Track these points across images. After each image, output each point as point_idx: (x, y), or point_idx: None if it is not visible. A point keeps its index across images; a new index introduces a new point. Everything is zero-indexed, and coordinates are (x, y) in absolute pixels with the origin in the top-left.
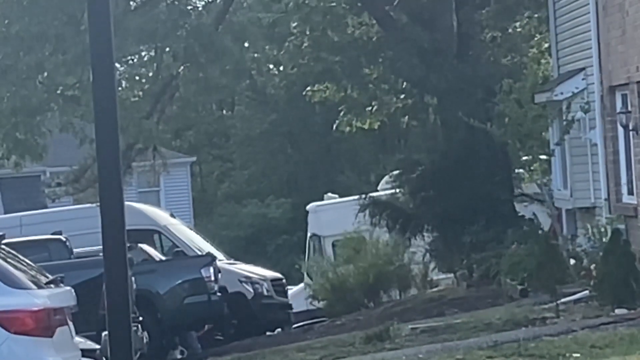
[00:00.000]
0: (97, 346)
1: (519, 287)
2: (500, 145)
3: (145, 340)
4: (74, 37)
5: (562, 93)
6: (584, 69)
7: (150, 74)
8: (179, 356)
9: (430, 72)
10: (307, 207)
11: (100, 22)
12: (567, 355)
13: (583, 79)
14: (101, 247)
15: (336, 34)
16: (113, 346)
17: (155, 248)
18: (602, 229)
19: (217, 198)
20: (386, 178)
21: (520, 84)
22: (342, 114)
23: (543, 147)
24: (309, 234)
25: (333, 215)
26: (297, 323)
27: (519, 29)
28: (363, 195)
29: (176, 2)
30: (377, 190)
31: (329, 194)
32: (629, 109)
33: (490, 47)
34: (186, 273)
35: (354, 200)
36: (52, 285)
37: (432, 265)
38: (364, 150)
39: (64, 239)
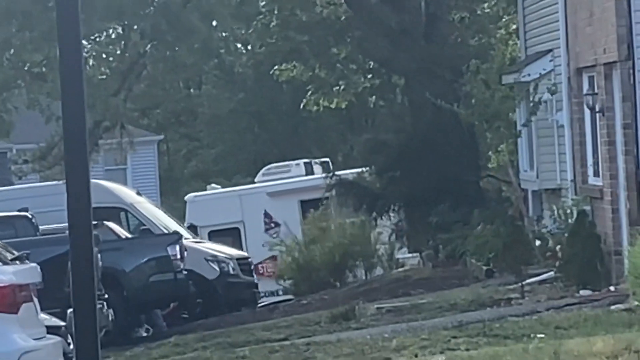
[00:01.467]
0: (63, 323)
1: (485, 268)
2: (467, 126)
3: (110, 318)
4: (41, 14)
5: (529, 74)
6: (551, 50)
7: (118, 52)
8: (144, 334)
9: (398, 52)
10: (186, 198)
11: None
12: (532, 335)
13: (550, 61)
14: (67, 224)
15: (304, 14)
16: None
17: (121, 226)
18: (568, 211)
19: (183, 176)
20: (263, 171)
21: (487, 65)
22: (309, 93)
23: (510, 128)
24: (186, 224)
25: (211, 206)
26: None
27: (487, 10)
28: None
29: None
30: (254, 183)
31: (213, 185)
32: (596, 90)
33: (458, 28)
34: (152, 251)
35: (233, 191)
36: (17, 262)
37: (398, 245)
38: (332, 130)
39: (30, 216)
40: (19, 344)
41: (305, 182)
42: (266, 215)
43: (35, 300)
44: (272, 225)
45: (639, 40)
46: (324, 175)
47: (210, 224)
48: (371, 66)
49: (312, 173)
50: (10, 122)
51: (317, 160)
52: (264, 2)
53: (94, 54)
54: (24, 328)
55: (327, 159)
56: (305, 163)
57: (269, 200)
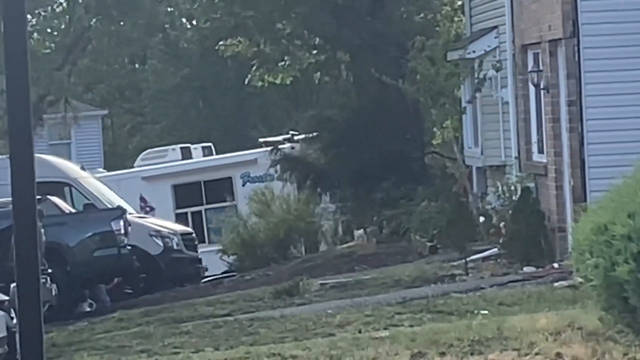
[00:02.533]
0: (6, 297)
1: (429, 244)
2: (412, 103)
3: (54, 293)
4: None
5: (474, 51)
6: (496, 27)
7: (63, 27)
8: (88, 309)
9: (343, 28)
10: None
11: None
12: (475, 312)
13: (495, 37)
14: (10, 199)
15: None
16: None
17: (65, 200)
18: (512, 187)
19: (128, 151)
20: (141, 155)
21: (433, 42)
22: (254, 68)
23: (455, 105)
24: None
25: None
26: None
27: None
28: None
29: None
30: (134, 167)
31: (99, 169)
32: (541, 67)
33: (403, 4)
34: (96, 226)
35: (112, 175)
36: None
37: (342, 221)
38: (276, 106)
39: None
40: None
41: (178, 166)
42: (142, 199)
43: None
44: (148, 209)
45: (584, 17)
46: (202, 159)
47: None
48: (316, 42)
49: (190, 157)
50: None
51: (197, 145)
52: None
53: (38, 28)
54: None
55: (210, 144)
56: (182, 148)
57: (144, 185)
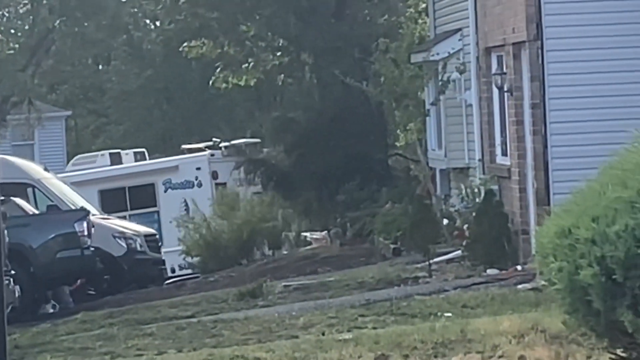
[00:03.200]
0: None
1: (392, 246)
2: (376, 105)
3: (17, 294)
4: None
5: (438, 53)
6: (460, 29)
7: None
8: (51, 310)
9: (307, 30)
10: None
11: None
12: (439, 314)
13: (459, 40)
14: None
15: None
16: None
17: (28, 202)
18: (476, 190)
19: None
20: (72, 161)
21: (396, 44)
22: (218, 70)
23: (419, 107)
24: None
25: None
26: None
27: None
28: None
29: None
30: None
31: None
32: (504, 70)
33: (367, 6)
34: (59, 227)
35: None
36: None
37: (306, 223)
38: (240, 107)
39: None
40: None
41: (106, 172)
42: None
43: None
44: None
45: (548, 19)
46: (126, 165)
47: None
48: (280, 44)
49: (120, 163)
50: None
51: (128, 150)
52: None
53: (1, 29)
54: None
55: (143, 149)
56: (111, 154)
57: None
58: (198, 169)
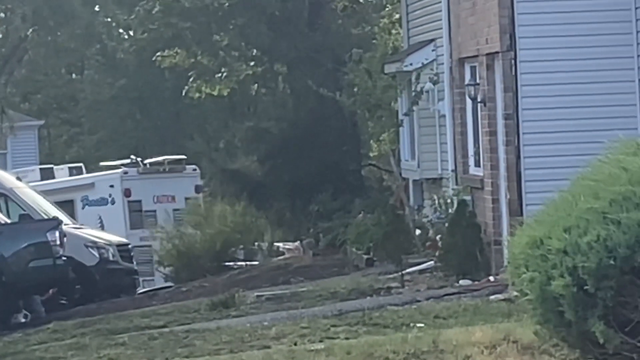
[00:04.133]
0: None
1: (365, 257)
2: (349, 115)
3: None
4: None
5: (411, 64)
6: (433, 40)
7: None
8: (23, 320)
9: (281, 40)
10: None
11: None
12: (411, 325)
13: (433, 50)
14: None
15: (187, 0)
16: None
17: (0, 211)
18: (449, 200)
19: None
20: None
21: (370, 54)
22: (191, 80)
23: (392, 117)
24: None
25: None
26: None
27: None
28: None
29: None
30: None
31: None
32: (478, 81)
33: (341, 16)
34: (31, 236)
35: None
36: None
37: (278, 234)
38: (213, 117)
39: None
40: None
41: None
42: None
43: None
44: None
45: (522, 30)
46: (47, 182)
47: None
48: (253, 54)
49: (52, 178)
50: None
51: (63, 165)
52: None
53: None
54: None
55: (81, 164)
56: (42, 169)
57: None
58: (111, 186)
